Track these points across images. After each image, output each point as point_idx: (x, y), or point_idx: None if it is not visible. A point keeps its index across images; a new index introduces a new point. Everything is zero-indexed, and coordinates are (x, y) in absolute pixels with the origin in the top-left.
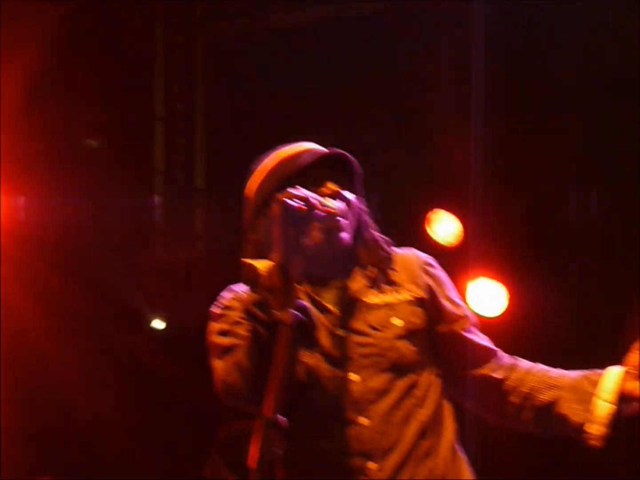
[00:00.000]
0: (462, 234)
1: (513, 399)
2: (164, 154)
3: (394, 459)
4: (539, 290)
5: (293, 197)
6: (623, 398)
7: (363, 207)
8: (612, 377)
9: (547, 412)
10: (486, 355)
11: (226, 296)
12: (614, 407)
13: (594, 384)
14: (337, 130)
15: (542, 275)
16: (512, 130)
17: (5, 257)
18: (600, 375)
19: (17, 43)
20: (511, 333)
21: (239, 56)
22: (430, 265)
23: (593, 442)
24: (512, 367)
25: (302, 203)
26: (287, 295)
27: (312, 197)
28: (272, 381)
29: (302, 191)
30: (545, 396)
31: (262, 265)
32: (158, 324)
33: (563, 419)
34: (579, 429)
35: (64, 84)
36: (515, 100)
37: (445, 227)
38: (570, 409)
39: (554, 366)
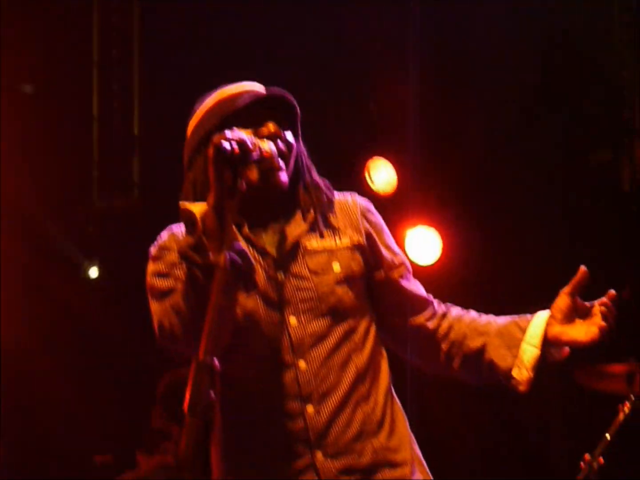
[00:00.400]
0: (399, 182)
1: (444, 346)
2: (99, 101)
3: (332, 402)
4: (473, 238)
5: (228, 139)
6: (550, 343)
7: (303, 149)
8: (539, 322)
9: (477, 359)
10: (421, 304)
11: (164, 237)
12: (540, 351)
13: (522, 329)
14: (275, 75)
15: (477, 223)
16: (450, 79)
17: None
18: (528, 320)
19: None
20: (446, 280)
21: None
22: (369, 211)
23: (519, 387)
24: (444, 315)
25: (236, 145)
26: (223, 238)
27: (248, 139)
28: (206, 324)
29: (237, 133)
30: (474, 342)
31: (197, 208)
32: (93, 272)
33: (491, 365)
34: (506, 375)
35: None
36: (453, 50)
37: (382, 175)
38: (497, 355)
39: (487, 313)
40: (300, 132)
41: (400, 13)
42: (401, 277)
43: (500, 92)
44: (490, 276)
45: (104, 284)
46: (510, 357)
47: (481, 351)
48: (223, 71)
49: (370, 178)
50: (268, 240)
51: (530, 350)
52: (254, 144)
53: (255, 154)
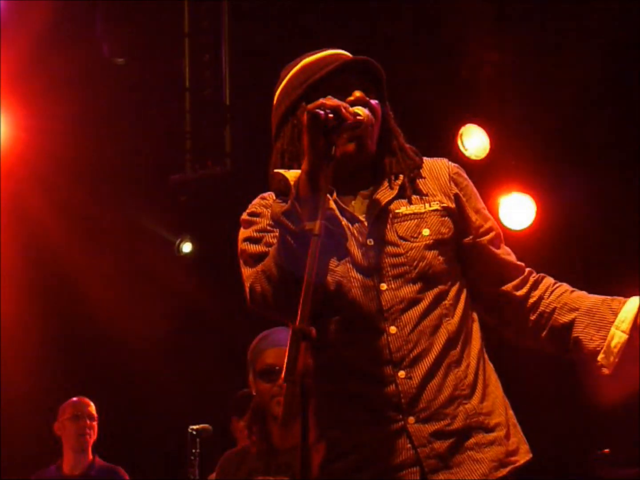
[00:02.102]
0: (492, 148)
1: (532, 317)
2: (191, 72)
3: (423, 367)
4: (568, 203)
5: (323, 106)
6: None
7: (390, 114)
8: (631, 307)
9: (564, 334)
10: (510, 272)
11: (256, 203)
12: (628, 337)
13: (614, 312)
14: (366, 43)
15: (571, 188)
16: (542, 43)
17: (35, 176)
18: (621, 303)
19: None
20: (540, 246)
21: None
22: (459, 175)
23: (604, 370)
24: (535, 285)
25: (331, 112)
26: (316, 205)
27: (342, 106)
28: (301, 291)
29: (332, 100)
30: (563, 317)
31: (291, 175)
32: (186, 247)
33: (577, 343)
34: (592, 356)
35: (90, 4)
36: (544, 15)
37: (475, 141)
38: (585, 334)
39: (580, 281)
40: (386, 97)
41: None
42: (490, 242)
43: (592, 54)
44: (585, 242)
45: (198, 258)
46: (597, 339)
47: (569, 327)
48: (311, 40)
49: (462, 144)
50: (357, 207)
51: (618, 335)
52: (347, 110)
53: (350, 121)
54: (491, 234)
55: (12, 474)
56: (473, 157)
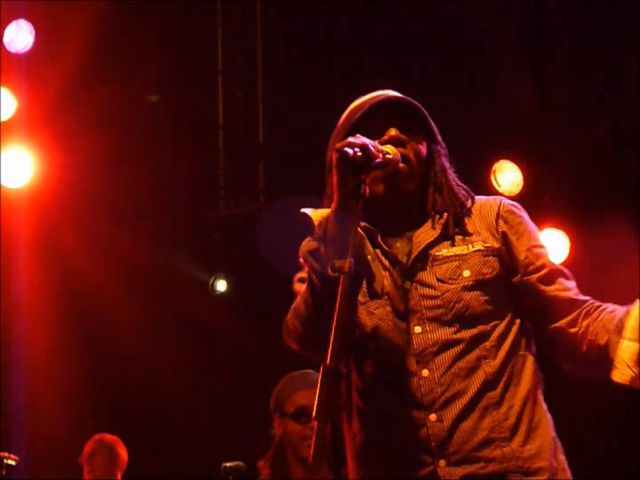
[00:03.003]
0: (525, 184)
1: (584, 348)
2: (224, 109)
3: (454, 409)
4: (602, 241)
5: (350, 145)
6: None
7: (440, 151)
8: (636, 313)
9: (604, 358)
10: (564, 307)
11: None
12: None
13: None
14: (400, 81)
15: (605, 225)
16: (575, 80)
17: (69, 213)
18: (629, 312)
19: (76, 1)
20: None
21: (298, 9)
22: (510, 211)
23: (629, 385)
24: (587, 315)
25: (359, 150)
26: (346, 244)
27: (370, 144)
28: (333, 330)
29: (360, 139)
30: (601, 340)
31: (318, 214)
32: (221, 286)
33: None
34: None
35: (123, 41)
36: (579, 50)
37: (509, 177)
38: (614, 351)
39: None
40: (435, 134)
41: (522, 14)
42: (541, 280)
43: (626, 92)
44: (620, 278)
45: (232, 296)
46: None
47: (606, 349)
48: (345, 79)
49: (496, 180)
50: (401, 249)
51: (629, 346)
52: (376, 148)
53: (378, 159)
54: (543, 271)
55: None
56: (507, 193)
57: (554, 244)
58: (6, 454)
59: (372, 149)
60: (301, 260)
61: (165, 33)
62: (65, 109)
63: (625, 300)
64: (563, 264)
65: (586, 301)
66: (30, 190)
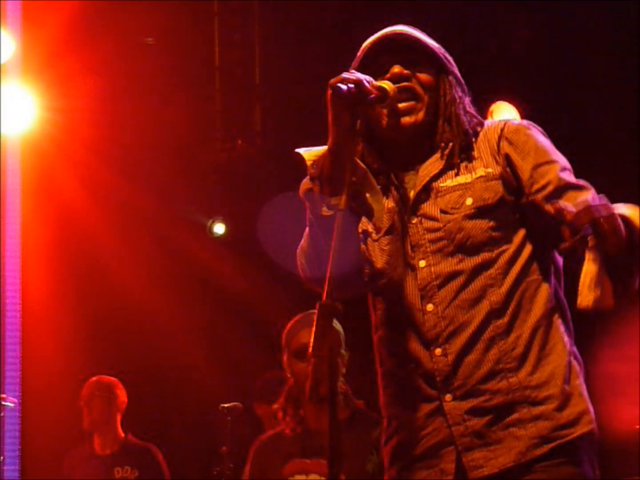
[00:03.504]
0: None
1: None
2: (220, 51)
3: (458, 342)
4: (606, 180)
5: (344, 80)
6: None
7: (452, 82)
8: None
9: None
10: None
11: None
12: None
13: None
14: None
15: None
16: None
17: (66, 157)
18: None
19: None
20: None
21: None
22: (516, 131)
23: (591, 308)
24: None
25: (353, 86)
26: (340, 180)
27: (364, 79)
28: (328, 267)
29: (354, 74)
30: None
31: (312, 153)
32: (219, 228)
33: None
34: None
35: None
36: None
37: (506, 117)
38: None
39: None
40: (445, 64)
41: None
42: (546, 198)
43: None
44: None
45: (230, 239)
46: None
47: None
48: (344, 22)
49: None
50: (410, 182)
51: (589, 269)
52: (371, 84)
53: (373, 94)
54: (548, 189)
55: (43, 453)
56: None
57: None
58: (4, 396)
59: (366, 84)
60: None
61: None
62: (61, 54)
63: None
64: None
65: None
66: (28, 135)
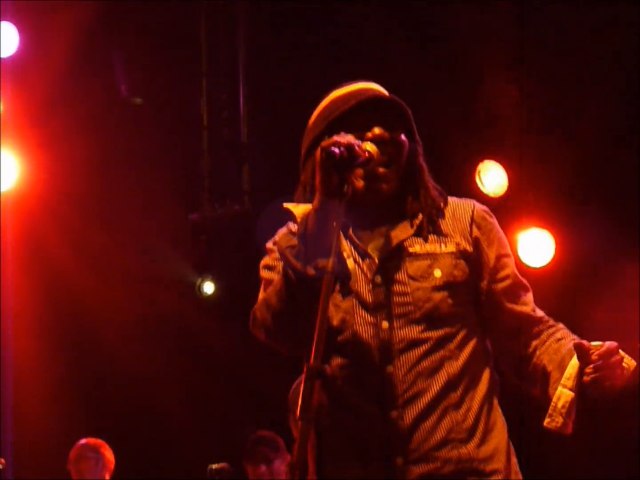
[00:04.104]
0: (510, 185)
1: (530, 369)
2: (208, 111)
3: (416, 408)
4: (588, 239)
5: (336, 144)
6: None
7: (418, 150)
8: (574, 362)
9: (544, 386)
10: (520, 325)
11: (279, 232)
12: (573, 394)
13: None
14: (384, 79)
15: (591, 224)
16: (558, 78)
17: (54, 217)
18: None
19: (61, 5)
20: (559, 282)
21: (280, 12)
22: (483, 217)
23: (558, 431)
24: (538, 335)
25: (344, 149)
26: (327, 242)
27: (355, 143)
28: (317, 330)
29: (345, 138)
30: (546, 367)
31: (300, 209)
32: (208, 287)
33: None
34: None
35: (108, 44)
36: (559, 48)
37: (493, 177)
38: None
39: (600, 316)
40: (415, 133)
41: (507, 15)
42: (504, 291)
43: (613, 90)
44: (605, 278)
45: (219, 298)
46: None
47: (547, 381)
48: (328, 78)
49: (480, 181)
50: (373, 244)
51: (564, 393)
52: (360, 147)
53: (361, 159)
54: (506, 282)
55: None
56: (491, 194)
57: (540, 244)
58: None
59: (357, 148)
60: (270, 247)
61: (149, 35)
62: (50, 113)
63: (609, 300)
64: (549, 264)
65: (541, 320)
66: (16, 194)
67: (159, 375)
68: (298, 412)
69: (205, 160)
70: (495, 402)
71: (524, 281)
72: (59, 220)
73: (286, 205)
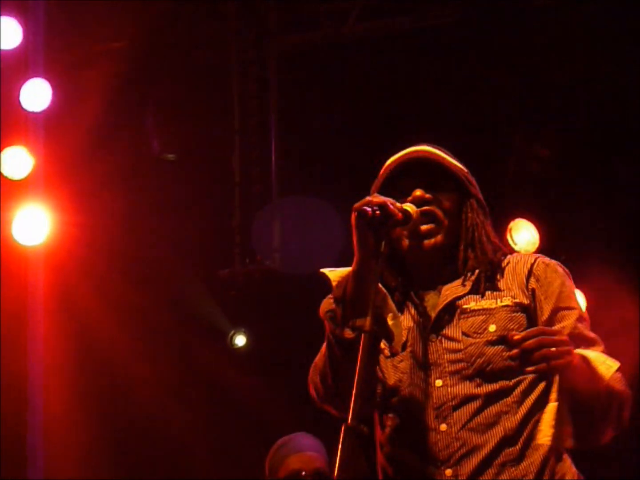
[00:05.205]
0: (542, 243)
1: None
2: (240, 167)
3: (469, 465)
4: (613, 300)
5: (368, 203)
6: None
7: (475, 206)
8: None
9: None
10: None
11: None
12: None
13: None
14: (412, 140)
15: (621, 284)
16: (585, 135)
17: (85, 272)
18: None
19: (93, 60)
20: None
21: (311, 68)
22: (544, 270)
23: (550, 444)
24: None
25: (377, 208)
26: (366, 302)
27: (389, 201)
28: (354, 388)
29: (379, 197)
30: None
31: (337, 273)
32: (240, 340)
33: None
34: None
35: (141, 101)
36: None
37: (525, 235)
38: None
39: None
40: (468, 187)
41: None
42: None
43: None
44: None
45: (250, 352)
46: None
47: None
48: (360, 138)
49: (512, 239)
50: (430, 301)
51: (551, 406)
52: (395, 206)
53: (397, 217)
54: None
55: None
56: (523, 252)
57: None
58: None
59: (390, 206)
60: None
61: (181, 92)
62: (82, 167)
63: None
64: None
65: None
66: (47, 248)
67: (191, 427)
68: (336, 472)
69: (237, 216)
70: (565, 455)
71: (591, 335)
72: (90, 274)
73: (322, 270)
